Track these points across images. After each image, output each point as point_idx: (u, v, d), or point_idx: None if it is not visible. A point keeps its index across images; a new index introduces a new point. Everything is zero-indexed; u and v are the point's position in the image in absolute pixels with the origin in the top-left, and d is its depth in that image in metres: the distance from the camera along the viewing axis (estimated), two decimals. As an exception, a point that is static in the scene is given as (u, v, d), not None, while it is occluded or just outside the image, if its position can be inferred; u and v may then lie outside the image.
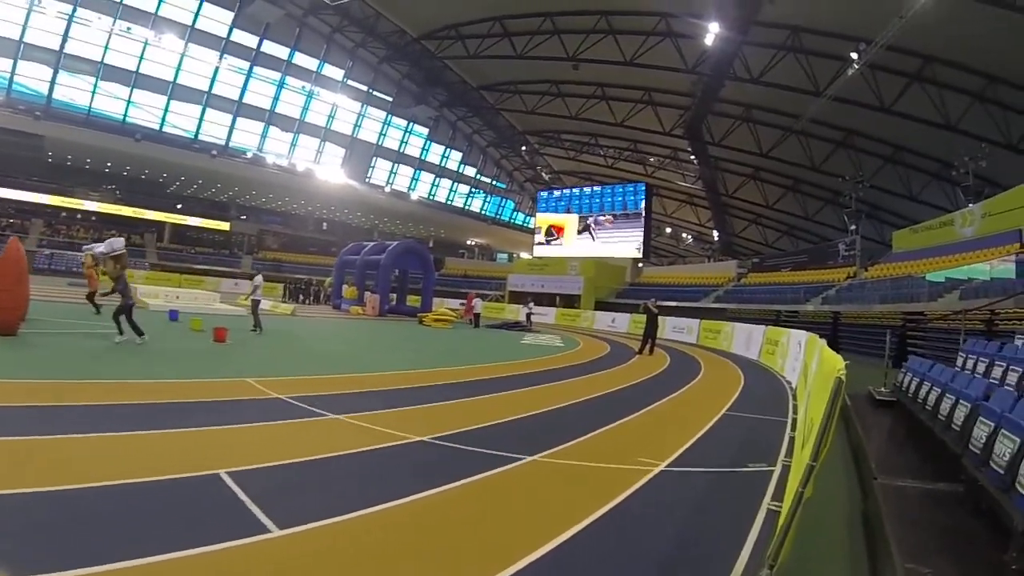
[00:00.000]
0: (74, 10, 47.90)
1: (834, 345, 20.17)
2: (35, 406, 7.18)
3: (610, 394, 12.45)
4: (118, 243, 15.08)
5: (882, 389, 12.29)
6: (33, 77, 50.17)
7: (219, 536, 4.17)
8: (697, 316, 36.78)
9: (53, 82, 50.62)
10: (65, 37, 48.92)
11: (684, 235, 75.60)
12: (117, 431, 6.47)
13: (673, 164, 58.00)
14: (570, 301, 51.84)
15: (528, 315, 38.18)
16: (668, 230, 74.61)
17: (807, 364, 10.92)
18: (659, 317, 23.74)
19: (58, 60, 49.83)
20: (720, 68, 38.25)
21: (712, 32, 33.87)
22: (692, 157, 53.67)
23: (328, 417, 8.03)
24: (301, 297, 46.55)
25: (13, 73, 49.19)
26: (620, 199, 58.63)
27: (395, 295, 41.50)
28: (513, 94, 57.50)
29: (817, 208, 51.45)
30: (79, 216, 65.43)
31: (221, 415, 7.61)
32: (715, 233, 67.53)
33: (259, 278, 20.03)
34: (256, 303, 19.26)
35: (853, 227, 42.90)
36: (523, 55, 46.49)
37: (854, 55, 31.05)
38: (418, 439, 7.26)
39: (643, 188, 57.46)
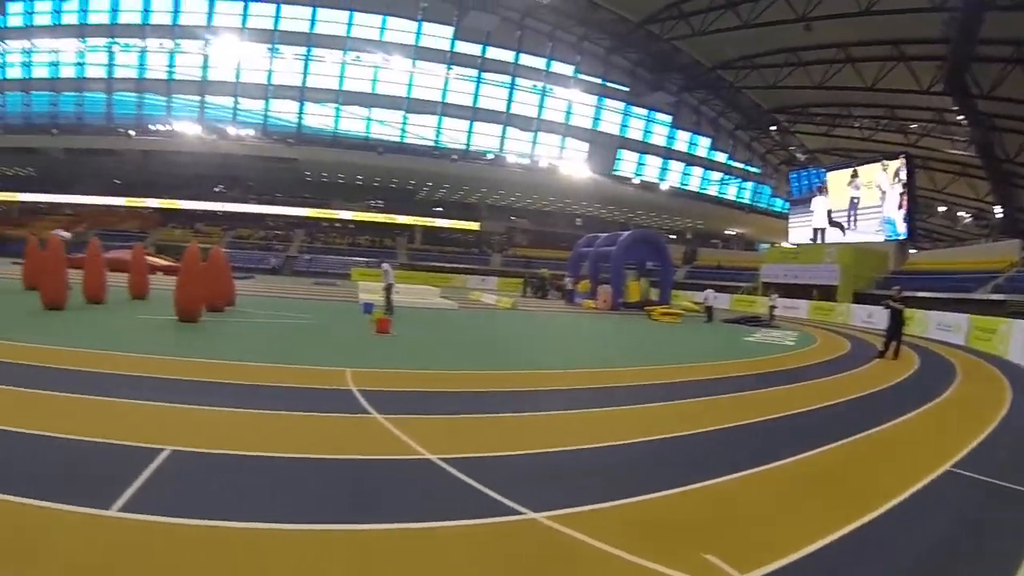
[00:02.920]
0: (308, 50, 56.11)
1: None
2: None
3: (803, 414, 9.55)
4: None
5: None
6: (284, 111, 58.60)
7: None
8: (971, 310, 30.37)
9: (301, 112, 58.36)
10: (305, 73, 56.89)
11: (960, 213, 65.90)
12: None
13: (939, 129, 50.29)
14: (828, 293, 46.17)
15: (771, 308, 34.58)
16: (941, 209, 65.37)
17: None
18: (914, 312, 19.28)
19: (302, 93, 57.55)
20: (973, -3, 31.51)
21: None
22: (960, 117, 46.08)
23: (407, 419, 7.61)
24: (540, 292, 45.73)
25: (266, 111, 58.22)
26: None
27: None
28: (751, 69, 53.39)
29: None
30: (337, 225, 74.36)
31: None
32: (996, 208, 58.14)
33: (386, 265, 22.21)
34: (389, 287, 20.78)
35: None
36: (750, 23, 42.63)
37: None
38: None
39: (902, 158, 50.27)
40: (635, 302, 34.68)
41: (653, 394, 10.41)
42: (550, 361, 13.80)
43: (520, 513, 4.71)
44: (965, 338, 26.15)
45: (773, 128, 66.42)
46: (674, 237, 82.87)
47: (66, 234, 24.12)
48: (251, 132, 58.22)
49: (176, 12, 55.38)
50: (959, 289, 39.78)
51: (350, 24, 55.22)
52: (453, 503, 4.87)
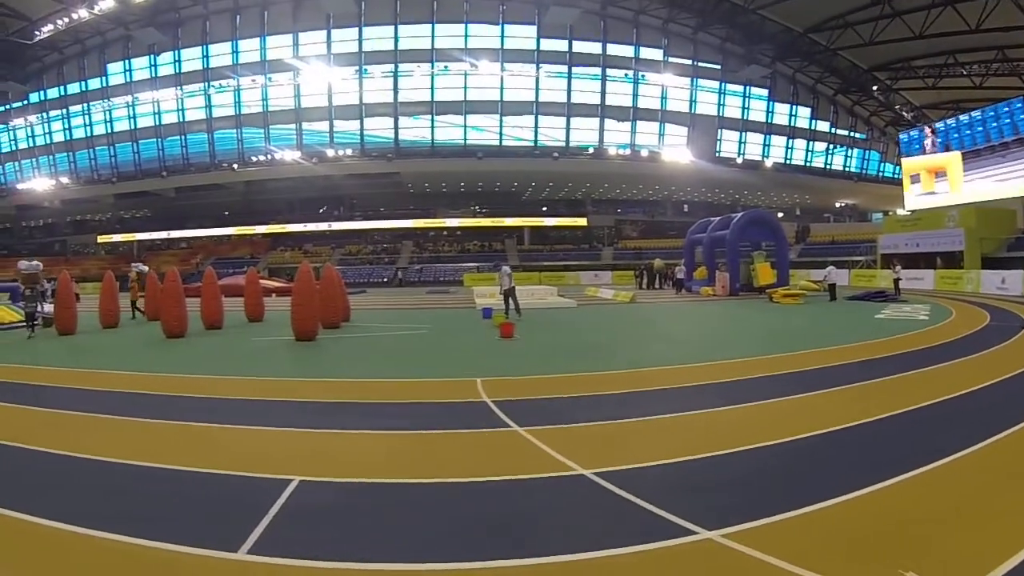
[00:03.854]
0: (396, 67, 57.55)
1: None
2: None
3: (964, 397, 8.51)
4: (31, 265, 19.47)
5: None
6: (380, 128, 60.02)
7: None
8: None
9: (396, 127, 59.46)
10: (395, 90, 58.34)
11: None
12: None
13: (1060, 65, 47.24)
14: (953, 260, 42.96)
15: (896, 281, 33.09)
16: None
17: None
18: None
19: (395, 110, 58.84)
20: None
21: None
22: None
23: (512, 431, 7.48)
24: (656, 282, 45.21)
25: (362, 130, 59.89)
26: (1005, 121, 46.28)
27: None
28: (843, 28, 51.33)
29: None
30: (444, 233, 75.07)
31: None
32: None
33: (506, 268, 22.31)
34: (510, 291, 20.82)
35: None
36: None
37: None
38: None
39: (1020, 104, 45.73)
40: (764, 285, 33.25)
41: (794, 384, 9.68)
42: (681, 355, 13.40)
43: (694, 533, 4.30)
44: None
45: (875, 88, 63.47)
46: (782, 215, 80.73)
47: (144, 267, 26.91)
48: (348, 152, 59.84)
49: (263, 49, 58.31)
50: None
51: (433, 36, 56.22)
52: (620, 525, 4.51)
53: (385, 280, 61.45)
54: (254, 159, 61.86)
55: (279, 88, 59.39)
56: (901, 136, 57.19)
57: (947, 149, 50.06)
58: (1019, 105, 43.88)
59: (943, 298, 30.91)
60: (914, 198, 53.63)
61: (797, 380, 10.14)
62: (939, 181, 50.58)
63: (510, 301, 20.75)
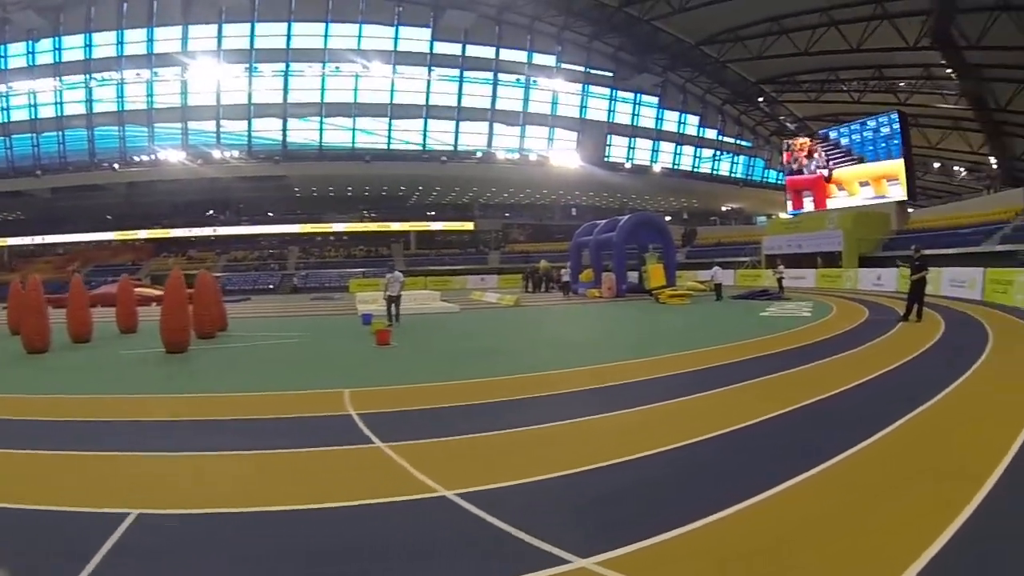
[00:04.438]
0: (287, 66, 55.96)
1: None
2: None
3: (850, 392, 8.63)
4: None
5: None
6: (268, 130, 58.31)
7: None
8: (981, 264, 29.51)
9: (285, 129, 58.02)
10: (285, 90, 56.78)
11: (956, 168, 65.30)
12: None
13: (928, 85, 49.99)
14: (832, 259, 45.62)
15: (779, 280, 34.42)
16: (937, 165, 64.85)
17: None
18: (928, 270, 18.52)
19: (284, 110, 57.35)
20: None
21: None
22: (948, 70, 45.76)
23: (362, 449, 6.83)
24: (542, 285, 44.93)
25: (250, 131, 57.70)
26: (870, 135, 51.31)
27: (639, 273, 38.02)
28: (734, 42, 53.36)
29: None
30: (331, 238, 73.96)
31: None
32: (991, 160, 57.63)
33: (397, 273, 21.33)
34: (392, 298, 20.34)
35: None
36: (730, -8, 42.17)
37: None
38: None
39: (896, 118, 49.39)
40: (655, 287, 33.06)
41: (682, 386, 9.40)
42: (565, 359, 12.76)
43: (565, 562, 3.81)
44: (981, 292, 25.73)
45: (761, 100, 66.27)
46: (669, 218, 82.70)
47: None
48: (235, 154, 57.90)
49: (150, 41, 55.32)
50: (966, 243, 39.32)
51: (327, 36, 55.00)
52: (480, 556, 4.05)
53: (271, 287, 60.05)
54: (137, 159, 58.80)
55: (165, 84, 56.78)
56: (787, 144, 59.82)
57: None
58: (883, 120, 48.98)
59: (824, 295, 32.15)
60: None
61: (683, 381, 10.00)
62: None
63: (392, 307, 20.17)
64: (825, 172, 54.07)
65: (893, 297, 27.34)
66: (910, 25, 41.81)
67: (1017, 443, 5.71)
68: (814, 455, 5.69)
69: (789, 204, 58.97)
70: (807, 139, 57.44)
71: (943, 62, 44.55)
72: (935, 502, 4.61)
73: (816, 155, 54.78)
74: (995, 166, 56.71)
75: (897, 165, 48.93)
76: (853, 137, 52.58)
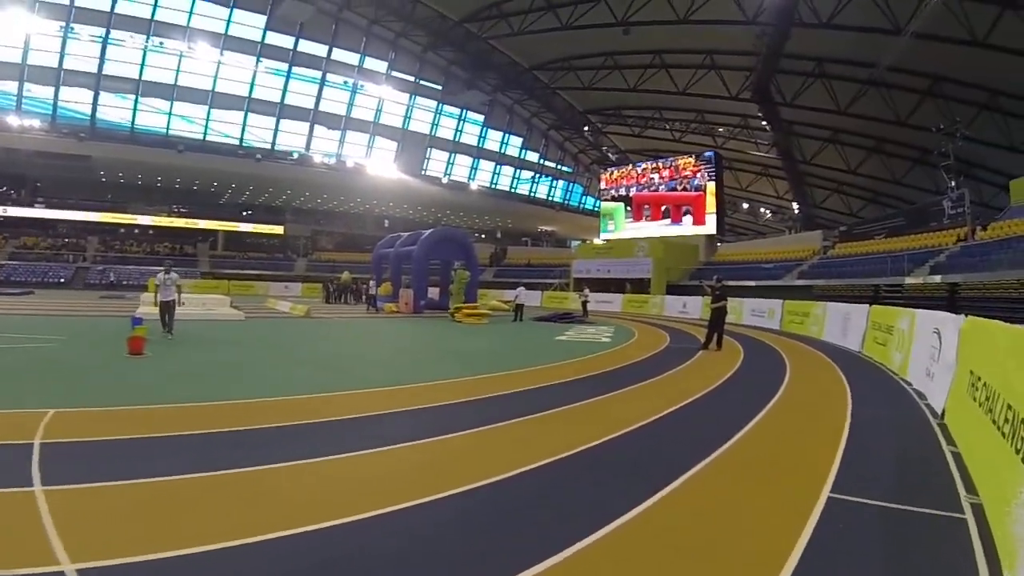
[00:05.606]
0: (107, 32, 49.85)
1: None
2: None
3: (633, 434, 7.52)
4: None
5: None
6: (76, 101, 52.30)
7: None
8: (780, 296, 31.60)
9: (95, 103, 52.52)
10: (102, 59, 50.77)
11: (762, 210, 69.97)
12: None
13: (744, 133, 53.49)
14: (641, 286, 47.35)
15: (584, 304, 34.77)
16: (745, 205, 69.14)
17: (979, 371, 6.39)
18: (728, 300, 19.09)
19: (97, 82, 51.76)
20: (784, 13, 33.64)
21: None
22: (764, 122, 48.97)
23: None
24: (343, 297, 44.39)
25: (56, 99, 51.62)
26: (687, 172, 54.00)
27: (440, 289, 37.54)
28: (567, 71, 54.94)
29: (905, 170, 45.94)
30: (136, 231, 68.19)
31: None
32: (794, 205, 61.89)
33: (167, 275, 17.44)
34: (165, 303, 17.16)
35: (952, 183, 36.59)
36: (570, 25, 43.47)
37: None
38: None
39: (712, 156, 52.52)
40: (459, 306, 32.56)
41: (432, 423, 7.92)
42: (327, 381, 11.03)
43: None
44: (780, 322, 27.53)
45: (586, 129, 67.93)
46: (484, 236, 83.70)
47: None
48: (36, 124, 51.41)
49: None
50: (769, 276, 42.30)
51: (155, 6, 49.72)
52: None
53: (62, 280, 55.44)
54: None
55: None
56: (603, 171, 61.92)
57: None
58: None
59: (630, 320, 32.95)
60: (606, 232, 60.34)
61: (443, 416, 8.34)
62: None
63: (166, 316, 17.24)
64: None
65: (697, 324, 28.26)
66: (733, 77, 44.78)
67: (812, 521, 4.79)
68: (591, 518, 4.72)
69: (613, 223, 60.38)
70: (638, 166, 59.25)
71: (759, 114, 47.78)
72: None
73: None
74: (797, 211, 61.60)
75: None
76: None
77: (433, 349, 17.76)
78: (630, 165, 60.49)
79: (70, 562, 3.76)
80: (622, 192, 58.91)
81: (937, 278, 29.39)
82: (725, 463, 6.35)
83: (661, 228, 55.04)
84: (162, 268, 17.88)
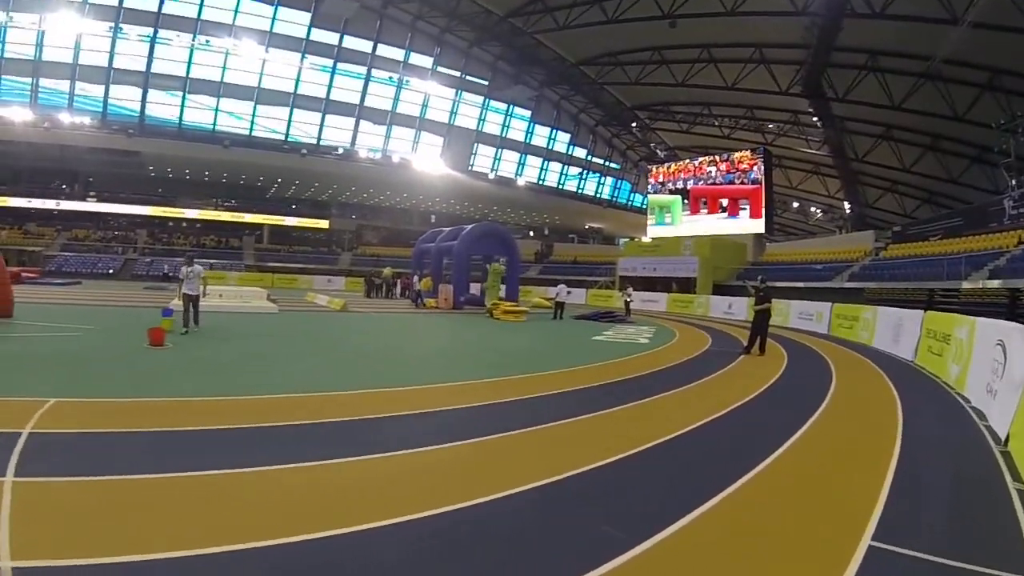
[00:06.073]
0: (155, 31, 51.31)
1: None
2: None
3: (660, 448, 6.88)
4: None
5: None
6: (125, 98, 53.91)
7: None
8: (829, 299, 30.62)
9: (144, 100, 54.00)
10: (150, 58, 52.29)
11: (813, 209, 68.31)
12: None
13: (795, 129, 52.01)
14: (686, 285, 46.44)
15: (627, 303, 34.12)
16: (795, 204, 67.45)
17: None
18: (772, 302, 18.42)
19: (146, 80, 53.25)
20: (834, 3, 32.36)
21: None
22: (815, 118, 47.56)
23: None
24: (386, 292, 44.33)
25: (106, 97, 53.23)
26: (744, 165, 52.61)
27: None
28: (614, 66, 53.78)
29: (962, 168, 43.74)
30: (184, 224, 70.25)
31: None
32: (846, 205, 60.27)
33: (190, 267, 16.86)
34: (188, 296, 16.58)
35: (1013, 182, 34.93)
36: (616, 19, 42.73)
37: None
38: None
39: (761, 151, 51.39)
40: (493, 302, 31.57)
41: (451, 428, 7.45)
42: (347, 379, 10.74)
43: None
44: (828, 326, 26.55)
45: (634, 125, 66.93)
46: (532, 233, 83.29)
47: None
48: (88, 120, 52.93)
49: None
50: (818, 278, 40.97)
51: (201, 5, 50.95)
52: None
53: (110, 271, 56.59)
54: (-25, 112, 52.55)
55: (18, 32, 49.80)
56: (651, 167, 60.94)
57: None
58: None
59: (673, 320, 32.18)
60: (654, 227, 59.49)
61: (447, 422, 7.85)
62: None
63: (191, 308, 16.72)
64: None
65: (742, 326, 27.20)
66: (783, 72, 43.35)
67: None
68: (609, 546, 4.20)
69: (670, 216, 58.90)
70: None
71: (810, 110, 46.38)
72: None
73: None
74: (848, 210, 59.72)
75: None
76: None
77: (461, 346, 17.69)
78: (687, 159, 59.16)
79: (10, 559, 3.58)
80: (679, 185, 57.42)
81: (997, 283, 27.57)
82: (747, 498, 5.40)
83: (718, 221, 53.64)
84: (183, 260, 17.49)
